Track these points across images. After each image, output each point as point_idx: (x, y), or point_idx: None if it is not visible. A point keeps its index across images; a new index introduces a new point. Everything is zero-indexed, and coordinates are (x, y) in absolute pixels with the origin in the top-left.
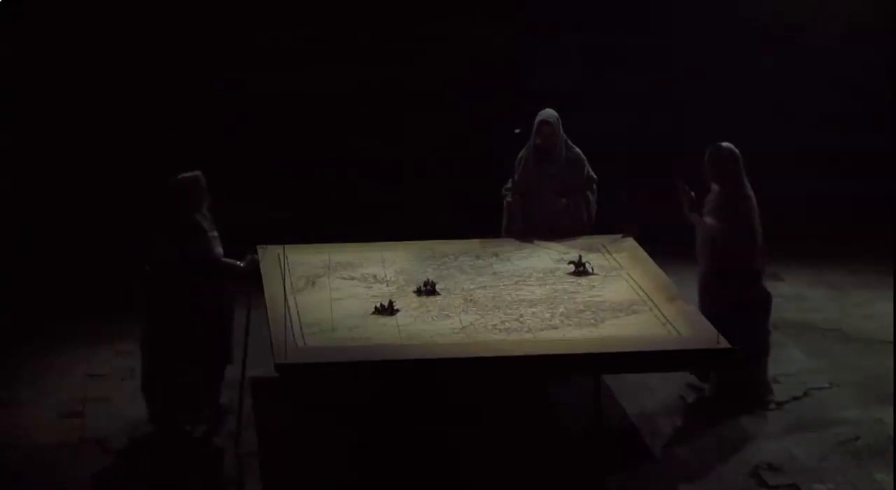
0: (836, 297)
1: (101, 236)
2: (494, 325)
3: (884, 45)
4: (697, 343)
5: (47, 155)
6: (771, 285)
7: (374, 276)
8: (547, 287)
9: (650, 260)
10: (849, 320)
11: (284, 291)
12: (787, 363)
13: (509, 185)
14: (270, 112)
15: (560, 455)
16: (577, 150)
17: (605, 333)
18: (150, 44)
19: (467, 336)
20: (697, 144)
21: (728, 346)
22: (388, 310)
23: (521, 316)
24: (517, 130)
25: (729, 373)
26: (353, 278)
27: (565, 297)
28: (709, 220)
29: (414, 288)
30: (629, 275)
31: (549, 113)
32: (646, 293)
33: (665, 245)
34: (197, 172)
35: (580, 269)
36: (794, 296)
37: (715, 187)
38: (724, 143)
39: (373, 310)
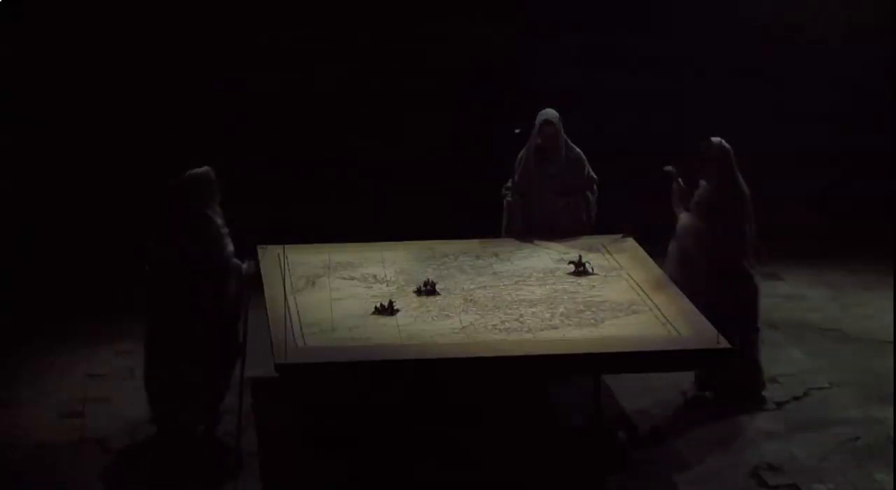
0: (836, 297)
1: (101, 236)
2: (494, 325)
3: (884, 45)
4: (697, 343)
5: (47, 155)
6: (771, 285)
7: (374, 276)
8: (547, 287)
9: (650, 260)
10: (849, 320)
11: (284, 291)
12: (787, 363)
13: (509, 184)
14: (270, 112)
15: (560, 455)
16: (578, 150)
17: (605, 333)
18: (150, 44)
19: (467, 336)
20: (697, 145)
21: (728, 346)
22: (388, 310)
23: (521, 316)
24: (517, 130)
25: (724, 372)
26: (353, 278)
27: (565, 297)
28: (685, 216)
29: (414, 288)
30: (629, 275)
31: (551, 113)
32: (646, 293)
33: (665, 245)
34: (207, 168)
35: (580, 269)
36: (794, 296)
37: (703, 183)
38: (715, 138)
39: (373, 310)
